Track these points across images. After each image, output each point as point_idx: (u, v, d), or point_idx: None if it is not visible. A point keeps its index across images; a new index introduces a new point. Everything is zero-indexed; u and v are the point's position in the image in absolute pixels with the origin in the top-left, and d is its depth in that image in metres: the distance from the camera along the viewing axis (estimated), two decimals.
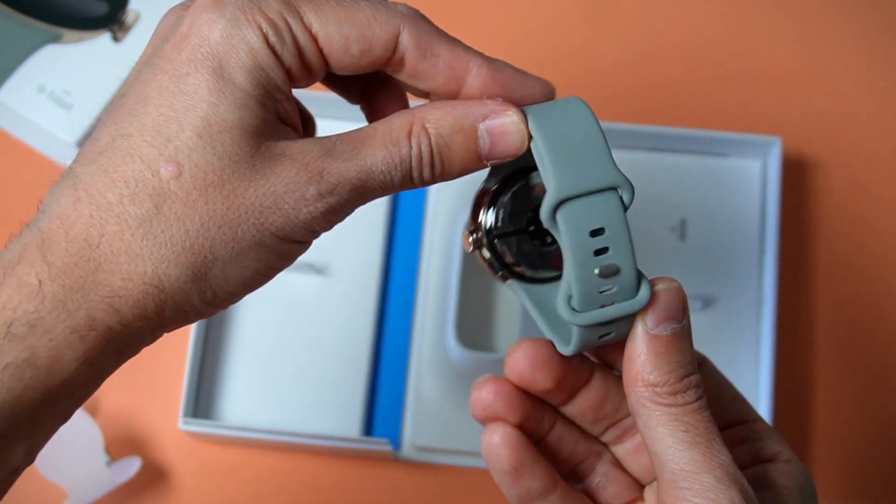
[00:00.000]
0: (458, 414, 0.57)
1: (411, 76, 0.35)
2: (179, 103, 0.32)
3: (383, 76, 0.36)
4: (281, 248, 0.33)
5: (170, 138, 0.32)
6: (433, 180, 0.34)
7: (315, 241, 0.52)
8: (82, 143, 0.56)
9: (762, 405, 0.56)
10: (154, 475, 0.58)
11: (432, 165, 0.34)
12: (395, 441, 0.58)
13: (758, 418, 0.35)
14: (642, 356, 0.33)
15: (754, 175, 0.61)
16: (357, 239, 0.60)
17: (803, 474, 0.34)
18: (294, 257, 0.34)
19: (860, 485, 0.58)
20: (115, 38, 0.58)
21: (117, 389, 0.59)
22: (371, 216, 0.60)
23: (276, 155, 0.32)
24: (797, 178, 0.63)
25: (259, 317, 0.59)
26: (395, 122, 0.34)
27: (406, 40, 0.34)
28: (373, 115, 0.39)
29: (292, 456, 0.58)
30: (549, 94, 0.36)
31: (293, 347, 0.58)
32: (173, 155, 0.32)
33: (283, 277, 0.59)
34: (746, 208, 0.60)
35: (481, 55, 0.35)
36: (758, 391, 0.57)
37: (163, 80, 0.33)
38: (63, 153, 0.61)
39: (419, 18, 0.34)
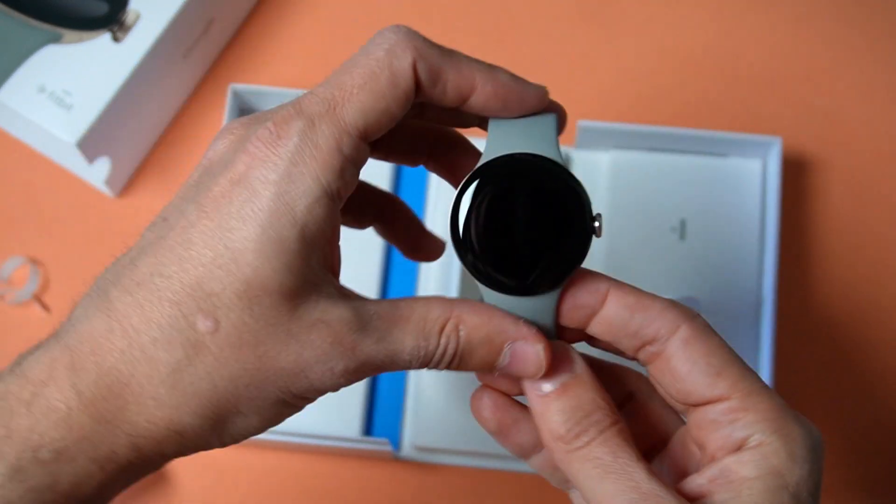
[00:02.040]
0: (458, 414, 0.57)
1: (425, 99, 0.36)
2: (223, 259, 0.32)
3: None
4: (298, 404, 0.34)
5: (210, 294, 0.32)
6: (447, 368, 0.36)
7: None
8: (82, 143, 0.56)
9: None
10: (154, 475, 0.58)
11: (451, 363, 0.35)
12: (395, 441, 0.58)
13: (732, 395, 0.34)
14: (538, 415, 0.35)
15: (754, 175, 0.61)
16: (357, 239, 0.60)
17: (778, 453, 0.33)
18: (302, 408, 0.35)
19: (861, 485, 0.59)
20: (116, 39, 0.58)
21: None
22: None
23: (314, 321, 0.33)
24: (797, 177, 0.63)
25: None
26: (432, 313, 0.35)
27: (422, 76, 0.35)
28: (441, 169, 0.42)
29: (292, 456, 0.58)
30: (543, 98, 0.37)
31: None
32: (211, 311, 0.32)
33: None
34: (746, 208, 0.60)
35: (482, 67, 0.36)
36: None
37: (208, 227, 0.33)
38: (63, 153, 0.61)
39: (418, 44, 0.35)
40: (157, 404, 0.32)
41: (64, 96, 0.57)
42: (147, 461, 0.33)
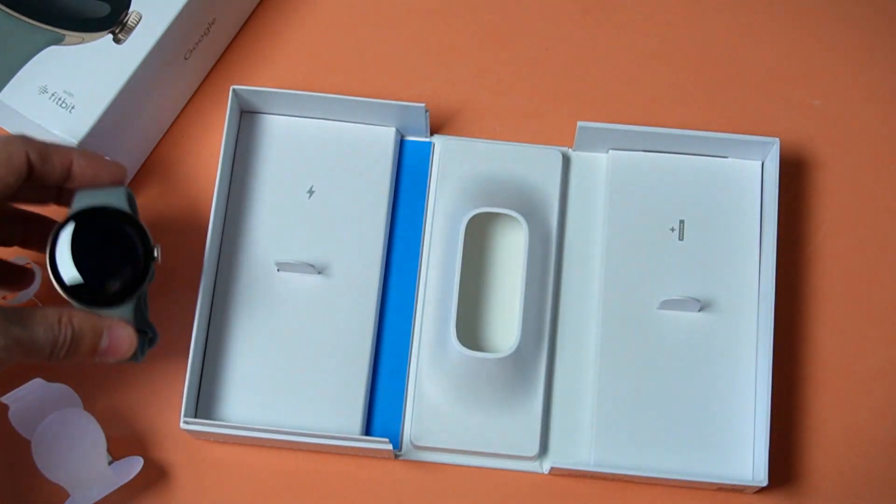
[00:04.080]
0: (458, 414, 0.57)
1: (39, 177, 0.50)
2: None
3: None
4: None
5: None
6: (62, 361, 0.49)
7: (315, 241, 0.55)
8: (84, 144, 0.56)
9: (760, 406, 0.57)
10: (155, 475, 0.58)
11: (67, 349, 0.49)
12: (396, 440, 0.58)
13: None
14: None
15: (753, 176, 0.61)
16: (357, 239, 0.60)
17: None
18: None
19: (861, 486, 0.59)
20: (117, 40, 0.58)
21: (118, 390, 0.59)
22: (371, 216, 0.60)
23: None
24: (796, 178, 0.63)
25: (260, 316, 0.59)
26: (50, 312, 0.48)
27: (33, 157, 0.49)
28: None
29: (293, 455, 0.59)
30: (121, 170, 0.52)
31: (294, 347, 0.59)
32: None
33: (283, 277, 0.59)
34: (745, 209, 0.60)
35: (77, 149, 0.52)
36: (756, 392, 0.57)
37: None
38: None
39: (29, 138, 0.50)
40: None
41: (66, 97, 0.57)
42: None
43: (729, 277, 0.59)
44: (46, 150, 0.50)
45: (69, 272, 0.49)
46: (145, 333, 0.52)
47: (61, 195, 0.53)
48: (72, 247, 0.49)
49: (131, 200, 0.52)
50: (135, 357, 0.51)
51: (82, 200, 0.50)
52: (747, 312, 0.59)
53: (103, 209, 0.50)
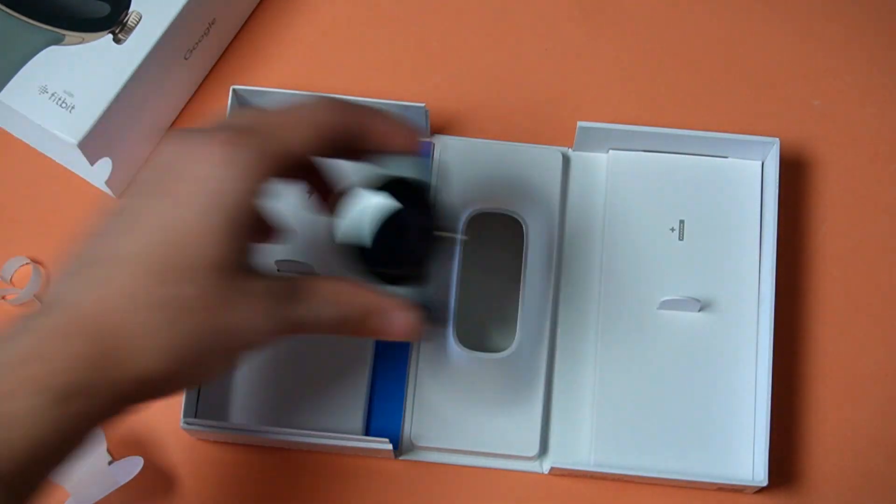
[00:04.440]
0: (458, 414, 0.57)
1: (339, 141, 0.45)
2: (188, 240, 0.40)
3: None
4: (241, 356, 0.43)
5: (186, 267, 0.40)
6: (351, 333, 0.46)
7: None
8: (83, 144, 0.56)
9: (760, 406, 0.57)
10: (156, 475, 0.58)
11: (341, 327, 0.45)
12: (396, 441, 0.58)
13: None
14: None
15: (753, 176, 0.61)
16: None
17: None
18: (243, 361, 0.44)
19: (861, 486, 0.59)
20: (117, 40, 0.58)
21: None
22: None
23: (246, 293, 0.41)
24: (796, 178, 0.63)
25: None
26: (327, 287, 0.44)
27: (339, 124, 0.45)
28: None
29: (293, 455, 0.59)
30: (416, 141, 0.47)
31: (294, 347, 0.59)
32: (187, 280, 0.40)
33: None
34: (745, 209, 0.60)
35: (375, 110, 0.47)
36: (756, 391, 0.57)
37: (178, 215, 0.41)
38: (64, 153, 0.61)
39: (336, 103, 0.46)
40: (153, 355, 0.40)
41: (66, 97, 0.57)
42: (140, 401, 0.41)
43: (729, 277, 0.59)
44: (351, 115, 0.46)
45: (363, 241, 0.45)
46: (430, 312, 0.48)
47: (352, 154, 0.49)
48: (368, 216, 0.45)
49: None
50: (421, 337, 0.49)
51: (381, 168, 0.46)
52: (747, 312, 0.59)
53: (404, 182, 0.46)
